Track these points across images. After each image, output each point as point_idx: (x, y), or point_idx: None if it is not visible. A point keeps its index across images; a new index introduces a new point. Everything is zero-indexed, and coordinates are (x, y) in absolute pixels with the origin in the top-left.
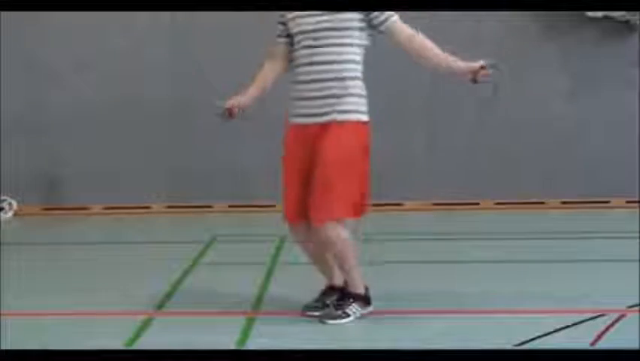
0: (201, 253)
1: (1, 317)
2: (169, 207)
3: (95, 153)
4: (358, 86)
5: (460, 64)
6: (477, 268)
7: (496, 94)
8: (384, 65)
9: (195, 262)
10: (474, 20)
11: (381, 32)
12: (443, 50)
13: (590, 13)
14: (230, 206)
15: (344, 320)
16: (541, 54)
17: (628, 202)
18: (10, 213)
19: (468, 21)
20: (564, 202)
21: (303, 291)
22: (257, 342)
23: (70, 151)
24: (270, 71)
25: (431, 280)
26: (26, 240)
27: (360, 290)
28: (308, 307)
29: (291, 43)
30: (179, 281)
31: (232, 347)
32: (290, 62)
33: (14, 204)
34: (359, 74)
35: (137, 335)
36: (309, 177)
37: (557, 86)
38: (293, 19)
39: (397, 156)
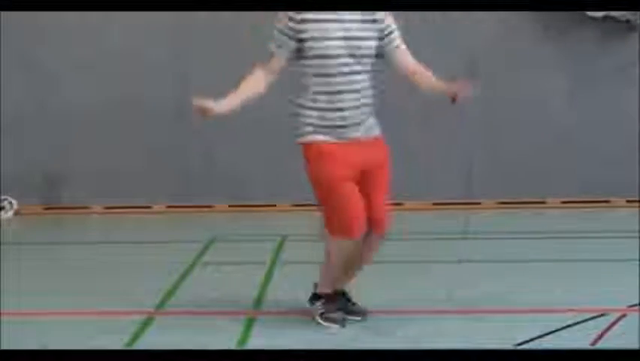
0: (201, 253)
1: (1, 316)
2: (169, 207)
3: (95, 153)
4: (372, 110)
5: (442, 86)
6: (477, 267)
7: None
8: (383, 63)
9: (195, 262)
10: (474, 20)
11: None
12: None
13: (590, 13)
14: (230, 206)
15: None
16: (541, 53)
17: (628, 202)
18: (10, 213)
19: (468, 21)
20: (564, 202)
21: (303, 291)
22: (257, 342)
23: (70, 151)
24: (257, 87)
25: (431, 280)
26: (26, 240)
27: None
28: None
29: (297, 57)
30: (179, 281)
31: (232, 347)
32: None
33: (15, 203)
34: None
35: (137, 335)
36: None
37: (557, 85)
38: (315, 38)
39: (397, 156)
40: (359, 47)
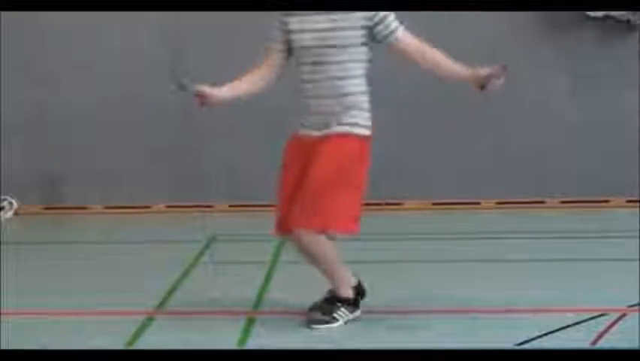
0: (201, 253)
1: (1, 316)
2: (169, 207)
3: (95, 153)
4: (360, 101)
5: (467, 73)
6: (477, 267)
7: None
8: (383, 63)
9: (195, 262)
10: (474, 20)
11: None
12: (447, 55)
13: (590, 13)
14: (230, 206)
15: (333, 325)
16: (541, 53)
17: (628, 201)
18: (10, 213)
19: (468, 21)
20: (564, 202)
21: (303, 291)
22: (257, 342)
23: (70, 151)
24: (254, 83)
25: (431, 280)
26: (26, 240)
27: (348, 293)
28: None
29: (289, 52)
30: (179, 281)
31: (232, 347)
32: (282, 69)
33: (15, 203)
34: (363, 89)
35: (137, 335)
36: (297, 188)
37: (557, 85)
38: (293, 31)
39: (397, 156)
40: (336, 38)
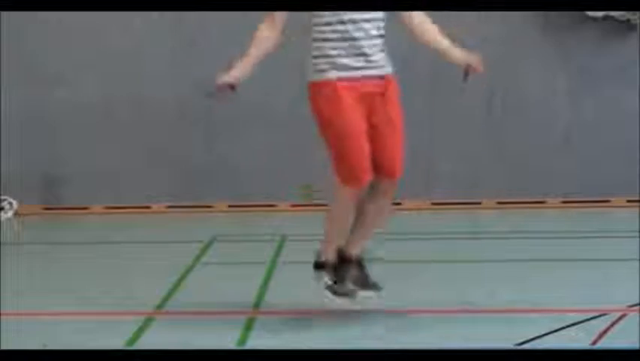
0: (201, 253)
1: (1, 316)
2: (169, 207)
3: (95, 153)
4: (383, 43)
5: (458, 53)
6: (477, 267)
7: (465, 81)
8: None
9: (195, 262)
10: (474, 19)
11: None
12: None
13: (590, 13)
14: (230, 206)
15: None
16: (541, 53)
17: (629, 201)
18: (10, 213)
19: (468, 20)
20: (564, 202)
21: (303, 291)
22: (257, 342)
23: (71, 151)
24: (267, 40)
25: (431, 280)
26: (26, 240)
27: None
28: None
29: None
30: (179, 281)
31: (232, 347)
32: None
33: (15, 203)
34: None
35: (137, 335)
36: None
37: (557, 85)
38: None
39: None
40: None
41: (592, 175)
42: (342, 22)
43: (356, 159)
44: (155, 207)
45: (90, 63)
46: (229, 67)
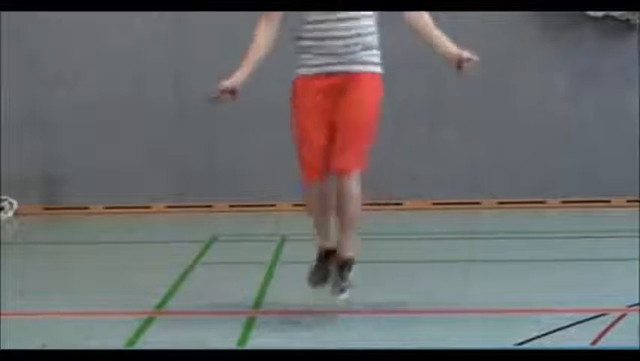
0: (201, 253)
1: (1, 316)
2: (169, 207)
3: (95, 153)
4: (374, 40)
5: (452, 49)
6: (477, 267)
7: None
8: (384, 63)
9: (195, 262)
10: (474, 19)
11: None
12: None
13: (590, 13)
14: (230, 206)
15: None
16: (541, 53)
17: (629, 201)
18: (10, 213)
19: (468, 20)
20: (564, 202)
21: (303, 291)
22: (257, 342)
23: (71, 151)
24: (266, 40)
25: (431, 280)
26: (26, 240)
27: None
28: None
29: None
30: (179, 281)
31: (232, 347)
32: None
33: (15, 203)
34: (374, 29)
35: (137, 335)
36: (332, 129)
37: (557, 85)
38: None
39: (397, 155)
40: None
41: (592, 175)
42: (316, 22)
43: (304, 158)
44: (155, 207)
45: (90, 63)
46: (230, 74)
